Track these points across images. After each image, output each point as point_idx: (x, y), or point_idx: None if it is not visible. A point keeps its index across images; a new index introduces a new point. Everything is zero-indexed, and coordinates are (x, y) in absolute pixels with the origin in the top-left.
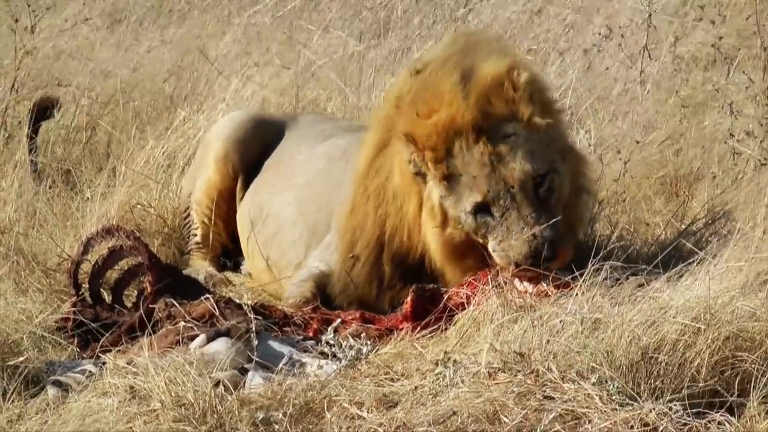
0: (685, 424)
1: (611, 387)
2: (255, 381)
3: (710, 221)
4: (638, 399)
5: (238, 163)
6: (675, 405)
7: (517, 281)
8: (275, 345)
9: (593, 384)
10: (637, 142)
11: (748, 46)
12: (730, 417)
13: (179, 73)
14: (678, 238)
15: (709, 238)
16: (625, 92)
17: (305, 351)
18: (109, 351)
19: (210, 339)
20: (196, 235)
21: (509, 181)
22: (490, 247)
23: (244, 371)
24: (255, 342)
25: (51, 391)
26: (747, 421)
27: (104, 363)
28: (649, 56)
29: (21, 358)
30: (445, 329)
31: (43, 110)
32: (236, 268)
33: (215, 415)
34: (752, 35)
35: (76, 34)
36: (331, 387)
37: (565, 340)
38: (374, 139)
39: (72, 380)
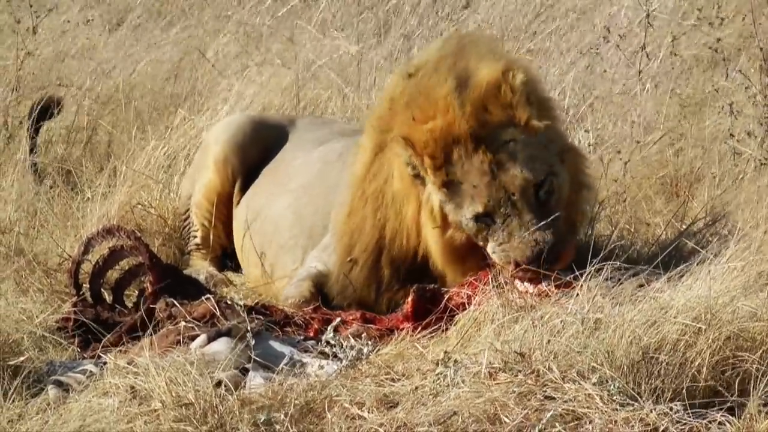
0: (685, 424)
1: (612, 387)
2: (256, 381)
3: (711, 221)
4: (639, 399)
5: (238, 167)
6: (676, 405)
7: (517, 281)
8: (276, 345)
9: (594, 384)
10: (638, 143)
11: (747, 46)
12: (730, 417)
13: (180, 74)
14: (678, 238)
15: (710, 238)
16: (624, 92)
17: (306, 351)
18: (110, 351)
19: (211, 339)
20: (195, 236)
21: (510, 189)
22: (489, 249)
23: (244, 371)
24: (252, 342)
25: (52, 391)
26: (747, 421)
27: (105, 363)
28: (647, 56)
29: (22, 358)
30: (446, 329)
31: (44, 110)
32: (237, 268)
33: (216, 415)
34: (751, 35)
35: (77, 35)
36: (332, 387)
37: (565, 340)
38: (370, 143)
39: (73, 380)
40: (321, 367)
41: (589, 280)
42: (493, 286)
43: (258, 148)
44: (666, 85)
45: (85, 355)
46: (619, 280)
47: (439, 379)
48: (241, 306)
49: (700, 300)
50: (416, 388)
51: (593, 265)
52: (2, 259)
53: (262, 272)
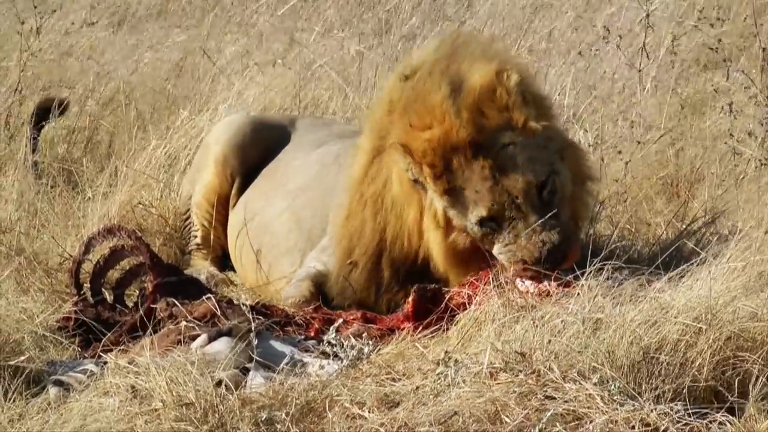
0: (686, 424)
1: (612, 387)
2: (256, 381)
3: (711, 221)
4: (639, 399)
5: (237, 167)
6: (676, 405)
7: (518, 281)
8: (277, 345)
9: (594, 384)
10: (639, 143)
11: (747, 46)
12: (731, 417)
13: (181, 74)
14: (679, 238)
15: (710, 238)
16: (624, 92)
17: (307, 351)
18: (111, 351)
19: (211, 339)
20: (196, 236)
21: (513, 192)
22: (495, 251)
23: (245, 371)
24: (254, 341)
25: (52, 391)
26: (748, 421)
27: (105, 362)
28: (647, 56)
29: (22, 358)
30: (447, 329)
31: (47, 110)
32: None
33: (216, 415)
34: (751, 36)
35: (80, 36)
36: (333, 387)
37: (566, 340)
38: (368, 146)
39: (73, 380)
40: (322, 366)
41: (590, 280)
42: (494, 286)
43: (258, 148)
44: (666, 85)
45: (86, 355)
46: (620, 280)
47: (439, 378)
48: (246, 306)
49: (701, 300)
50: (417, 387)
51: (594, 265)
52: (3, 258)
53: (258, 274)
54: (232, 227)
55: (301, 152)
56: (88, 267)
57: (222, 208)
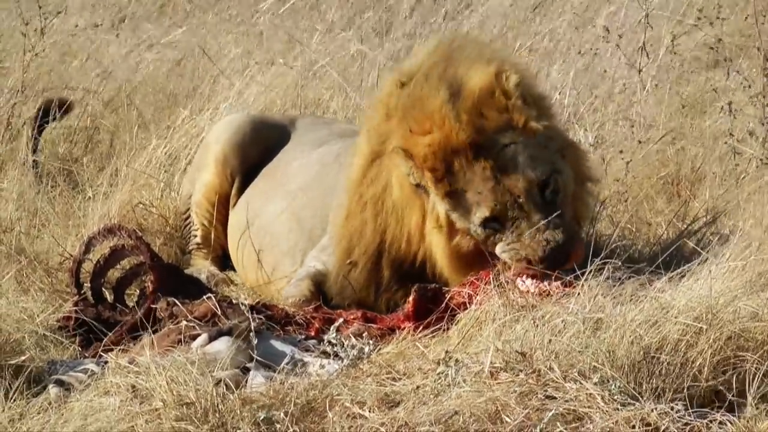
0: (686, 424)
1: (613, 387)
2: (257, 380)
3: (712, 221)
4: (640, 399)
5: (237, 167)
6: (677, 405)
7: (519, 281)
8: (277, 344)
9: (595, 384)
10: (639, 142)
11: (747, 45)
12: (731, 417)
13: (182, 73)
14: (680, 238)
15: (711, 238)
16: (624, 92)
17: (307, 350)
18: (111, 350)
19: (212, 338)
20: (196, 236)
21: (515, 192)
22: (498, 250)
23: (245, 370)
24: (255, 341)
25: (53, 390)
26: (748, 421)
27: (106, 362)
28: (647, 56)
29: (23, 358)
30: (447, 329)
31: (48, 111)
32: None
33: (217, 415)
34: (751, 36)
35: (83, 37)
36: (333, 386)
37: (567, 340)
38: (366, 149)
39: (74, 379)
40: (322, 366)
41: (591, 279)
42: (494, 286)
43: (258, 148)
44: (666, 85)
45: (86, 355)
46: (621, 279)
47: (440, 378)
48: (245, 305)
49: (701, 300)
50: (417, 387)
51: (594, 265)
52: (3, 258)
53: (259, 274)
54: (233, 227)
55: (301, 152)
56: (88, 266)
57: (222, 207)
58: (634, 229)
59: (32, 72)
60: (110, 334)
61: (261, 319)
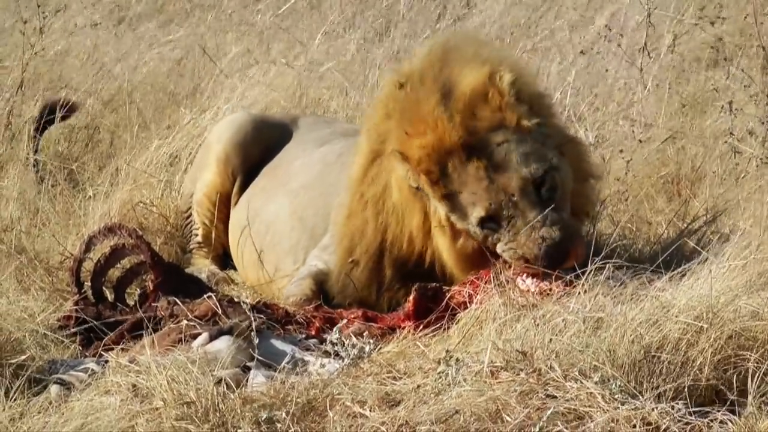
0: (687, 423)
1: (613, 386)
2: (257, 379)
3: (712, 220)
4: (640, 398)
5: (239, 166)
6: (677, 404)
7: (519, 280)
8: (278, 343)
9: (596, 383)
10: (639, 141)
11: (747, 45)
12: (732, 416)
13: (182, 72)
14: (680, 237)
15: (711, 237)
16: (625, 91)
17: (308, 349)
18: (112, 349)
19: (212, 337)
20: (197, 235)
21: (509, 190)
22: (499, 249)
23: (246, 369)
24: (256, 340)
25: (53, 390)
26: (749, 420)
27: (106, 361)
28: (649, 55)
29: (23, 357)
30: (448, 328)
31: (51, 112)
32: None
33: (217, 414)
34: (752, 35)
35: (83, 36)
36: (334, 385)
37: (567, 339)
38: (366, 148)
39: (74, 379)
40: (323, 365)
41: (591, 278)
42: (495, 285)
43: (259, 147)
44: (667, 84)
45: (87, 354)
46: (621, 278)
47: (440, 377)
48: (246, 303)
49: (702, 299)
50: (418, 386)
51: (595, 264)
52: (4, 257)
53: (261, 273)
54: (234, 226)
55: (303, 150)
56: (89, 266)
57: (223, 206)
58: (634, 228)
59: (32, 71)
60: (111, 333)
61: (261, 318)
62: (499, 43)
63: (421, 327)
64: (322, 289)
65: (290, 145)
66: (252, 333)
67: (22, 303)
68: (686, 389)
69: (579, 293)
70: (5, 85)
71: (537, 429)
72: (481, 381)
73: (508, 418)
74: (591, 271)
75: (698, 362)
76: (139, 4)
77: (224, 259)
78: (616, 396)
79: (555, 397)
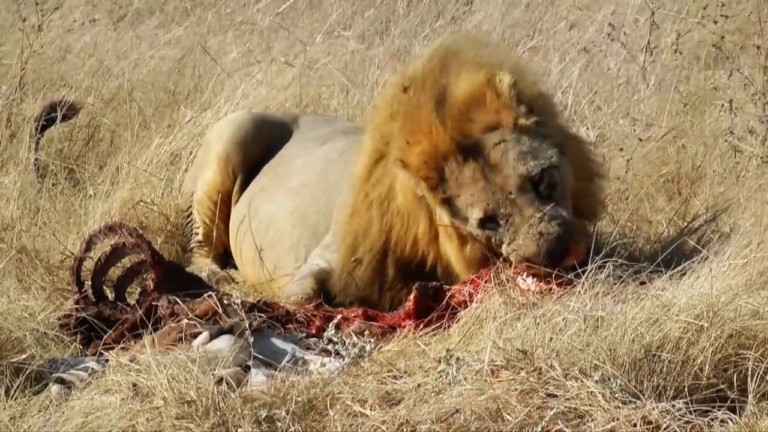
0: (687, 422)
1: (614, 385)
2: (258, 378)
3: (712, 219)
4: (641, 397)
5: (239, 164)
6: (678, 403)
7: (519, 279)
8: (278, 342)
9: (596, 382)
10: (640, 140)
11: (748, 44)
12: (732, 415)
13: (183, 71)
14: (680, 236)
15: (712, 236)
16: (626, 90)
17: (308, 348)
18: (112, 348)
19: (213, 336)
20: (198, 234)
21: (506, 188)
22: (504, 252)
23: (246, 368)
24: (252, 339)
25: (54, 389)
26: (749, 419)
27: (107, 360)
28: (651, 54)
29: (24, 356)
30: (448, 327)
31: (53, 112)
32: None
33: (218, 413)
34: (753, 34)
35: (82, 33)
36: (334, 384)
37: (568, 338)
38: (371, 147)
39: (75, 377)
40: (323, 364)
41: (591, 277)
42: (495, 284)
43: (260, 145)
44: (668, 83)
45: (87, 353)
46: (621, 277)
47: (441, 376)
48: (238, 305)
49: (702, 298)
50: (418, 385)
51: (595, 263)
52: (4, 256)
53: (261, 271)
54: (234, 224)
55: (304, 149)
56: (89, 265)
57: (224, 205)
58: (634, 227)
59: (31, 69)
60: (111, 332)
61: (262, 317)
62: (500, 44)
63: (421, 326)
64: (323, 288)
65: (291, 144)
66: (247, 333)
67: (23, 302)
68: (687, 388)
69: (579, 292)
70: (4, 83)
71: (537, 428)
72: (482, 380)
73: (508, 417)
74: (591, 269)
75: (699, 361)
76: (140, 2)
77: (225, 258)
78: (616, 395)
79: (555, 396)
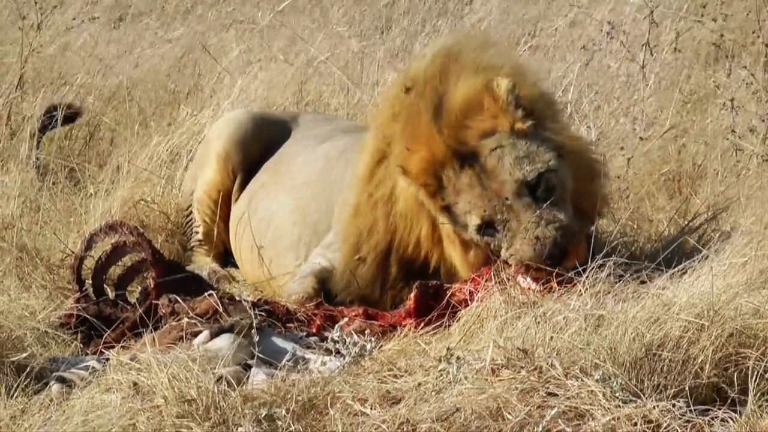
0: (688, 421)
1: (615, 384)
2: (258, 377)
3: (713, 217)
4: (642, 396)
5: (239, 163)
6: (678, 402)
7: (520, 277)
8: (278, 341)
9: (597, 381)
10: (641, 139)
11: (749, 42)
12: (733, 414)
13: (183, 69)
14: (681, 235)
15: (712, 235)
16: (628, 88)
17: (308, 347)
18: (113, 347)
19: (213, 335)
20: (198, 232)
21: (503, 194)
22: (503, 257)
23: (247, 367)
24: (256, 337)
25: (54, 387)
26: (750, 418)
27: (107, 359)
28: (651, 52)
29: (24, 355)
30: (449, 326)
31: (54, 112)
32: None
33: (218, 411)
34: (754, 32)
35: (81, 32)
36: (335, 383)
37: (568, 337)
38: (373, 146)
39: (75, 376)
40: (323, 363)
41: (592, 276)
42: (496, 282)
43: (259, 144)
44: (668, 81)
45: (88, 351)
46: (622, 276)
47: (441, 375)
48: (247, 302)
49: (703, 297)
50: (419, 384)
51: (596, 262)
52: (5, 255)
53: (260, 269)
54: (234, 223)
55: (304, 147)
56: (90, 263)
57: (224, 204)
58: (635, 226)
59: (31, 67)
60: (111, 331)
61: (262, 315)
62: (503, 44)
63: (422, 325)
64: (324, 287)
65: (291, 142)
66: (252, 330)
67: (23, 301)
68: (687, 387)
69: (580, 291)
70: (4, 81)
71: (538, 427)
72: (482, 379)
73: (509, 416)
74: (592, 268)
75: (699, 360)
76: (141, 1)
77: (225, 257)
78: (617, 394)
79: (556, 395)
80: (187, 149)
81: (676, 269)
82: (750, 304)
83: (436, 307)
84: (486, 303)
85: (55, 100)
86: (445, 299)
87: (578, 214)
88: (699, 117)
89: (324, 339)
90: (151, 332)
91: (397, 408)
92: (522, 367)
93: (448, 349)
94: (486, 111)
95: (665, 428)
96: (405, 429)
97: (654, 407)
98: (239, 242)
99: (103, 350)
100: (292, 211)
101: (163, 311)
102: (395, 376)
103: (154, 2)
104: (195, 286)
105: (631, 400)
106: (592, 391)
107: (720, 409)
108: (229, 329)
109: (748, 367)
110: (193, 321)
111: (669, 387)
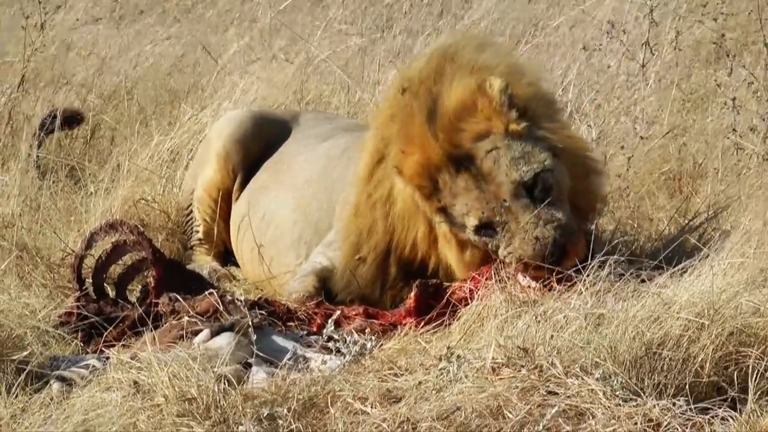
0: (688, 420)
1: (615, 382)
2: (259, 376)
3: (713, 216)
4: (642, 394)
5: (239, 162)
6: (678, 400)
7: (520, 276)
8: (279, 340)
9: (597, 379)
10: (641, 138)
11: (750, 41)
12: (733, 412)
13: (183, 68)
14: (681, 234)
15: (713, 234)
16: (627, 87)
17: (309, 346)
18: (113, 346)
19: (214, 334)
20: (198, 231)
21: (500, 196)
22: (500, 255)
23: (247, 366)
24: (254, 337)
25: (55, 386)
26: (750, 417)
27: (108, 358)
28: (651, 51)
29: (25, 353)
30: (449, 324)
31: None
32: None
33: (219, 410)
34: (754, 32)
35: (83, 32)
36: (335, 382)
37: (568, 336)
38: (372, 147)
39: (76, 375)
40: (324, 362)
41: (592, 275)
42: (496, 281)
43: (260, 143)
44: (669, 80)
45: (88, 350)
46: (622, 275)
47: (442, 374)
48: (241, 301)
49: (703, 295)
50: (419, 383)
51: (596, 260)
52: (5, 253)
53: (261, 268)
54: (235, 222)
55: (305, 146)
56: (90, 262)
57: (224, 203)
58: (635, 225)
59: (33, 66)
60: (112, 329)
61: (263, 314)
62: (501, 44)
63: (422, 323)
64: (324, 286)
65: (291, 141)
66: (251, 330)
67: (24, 299)
68: (687, 386)
69: (580, 290)
70: (6, 81)
71: (539, 426)
72: (483, 377)
73: (509, 415)
74: (592, 267)
75: (699, 359)
76: (142, 1)
77: (225, 256)
78: (617, 393)
79: (556, 393)
80: (187, 148)
81: (676, 268)
82: (750, 302)
83: (437, 306)
84: (486, 302)
85: (55, 99)
86: (445, 298)
87: (576, 212)
88: (699, 116)
89: (329, 339)
90: (152, 331)
91: (397, 407)
92: (522, 366)
93: (448, 347)
94: (480, 112)
95: (665, 427)
96: (405, 428)
97: (654, 406)
98: (240, 241)
99: (103, 349)
100: (293, 209)
101: (164, 310)
102: (396, 374)
103: (155, 1)
104: (195, 285)
105: (631, 399)
106: (592, 389)
107: (720, 408)
108: (230, 328)
109: (749, 365)
110: (193, 320)
111: (669, 386)
